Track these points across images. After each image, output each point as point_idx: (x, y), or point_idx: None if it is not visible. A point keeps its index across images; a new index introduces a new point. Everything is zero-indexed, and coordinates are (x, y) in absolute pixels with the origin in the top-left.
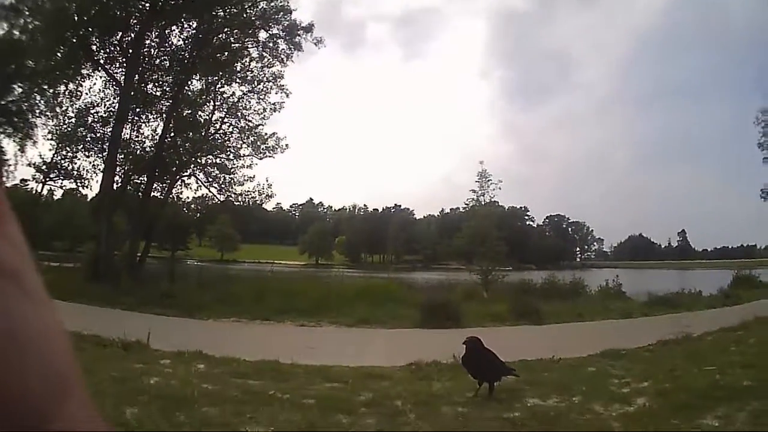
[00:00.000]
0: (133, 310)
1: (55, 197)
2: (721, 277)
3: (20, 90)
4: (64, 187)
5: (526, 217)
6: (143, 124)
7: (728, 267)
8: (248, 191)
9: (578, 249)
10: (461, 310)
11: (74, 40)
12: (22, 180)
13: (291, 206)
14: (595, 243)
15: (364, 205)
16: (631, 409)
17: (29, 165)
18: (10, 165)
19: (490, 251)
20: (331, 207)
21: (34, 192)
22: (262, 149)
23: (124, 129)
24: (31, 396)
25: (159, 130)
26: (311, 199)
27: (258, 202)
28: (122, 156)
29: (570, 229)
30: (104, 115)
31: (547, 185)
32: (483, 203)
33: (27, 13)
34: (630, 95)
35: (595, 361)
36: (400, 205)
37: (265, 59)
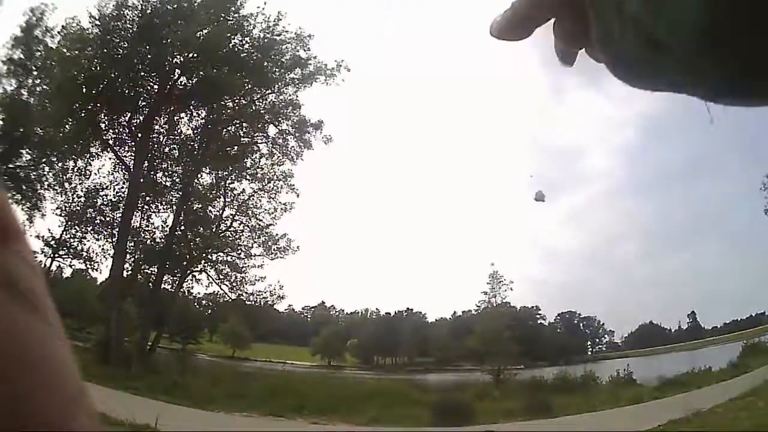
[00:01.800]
0: (143, 396)
1: (64, 275)
2: (732, 350)
3: (29, 157)
4: (73, 267)
5: (538, 316)
6: (153, 214)
7: (739, 339)
8: (260, 291)
9: (589, 342)
10: (473, 408)
11: (82, 114)
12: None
13: (303, 308)
14: (606, 335)
15: (377, 309)
16: None
17: (37, 237)
18: None
19: (502, 351)
20: (343, 310)
21: (42, 265)
22: (273, 250)
23: (133, 216)
24: (43, 414)
25: (169, 222)
26: (323, 302)
27: (270, 302)
28: (132, 244)
29: (581, 324)
30: (113, 200)
31: (558, 282)
32: (494, 305)
33: (35, 72)
34: (634, 183)
35: None
36: (411, 309)
37: (275, 156)
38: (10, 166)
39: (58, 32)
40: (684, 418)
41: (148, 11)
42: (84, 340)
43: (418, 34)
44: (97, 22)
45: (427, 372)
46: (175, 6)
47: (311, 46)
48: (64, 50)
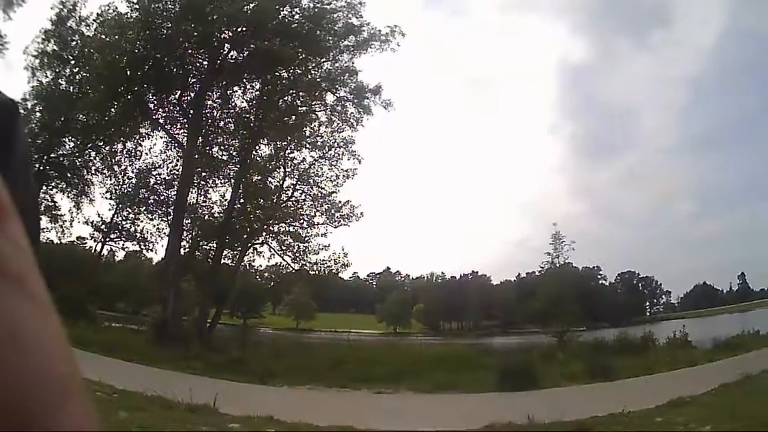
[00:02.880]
0: (202, 375)
1: (117, 258)
2: None
3: (72, 144)
4: (126, 249)
5: (599, 276)
6: (210, 189)
7: None
8: (324, 260)
9: (648, 303)
10: (537, 371)
11: (128, 97)
12: (79, 237)
13: (368, 275)
14: (663, 296)
15: (442, 273)
16: None
17: (86, 223)
18: (65, 221)
19: (565, 313)
20: (409, 275)
21: (93, 251)
22: (337, 217)
23: (189, 193)
24: (29, 397)
25: (227, 196)
26: (388, 268)
27: (334, 271)
28: (189, 221)
29: (640, 284)
30: (167, 178)
31: (618, 242)
32: (558, 265)
33: (72, 62)
34: (689, 143)
35: (662, 411)
36: (477, 272)
37: (335, 123)
38: (53, 155)
39: (94, 20)
40: (734, 383)
41: None
42: (139, 323)
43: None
44: (136, 6)
45: (492, 335)
46: None
47: (363, 13)
48: (103, 36)
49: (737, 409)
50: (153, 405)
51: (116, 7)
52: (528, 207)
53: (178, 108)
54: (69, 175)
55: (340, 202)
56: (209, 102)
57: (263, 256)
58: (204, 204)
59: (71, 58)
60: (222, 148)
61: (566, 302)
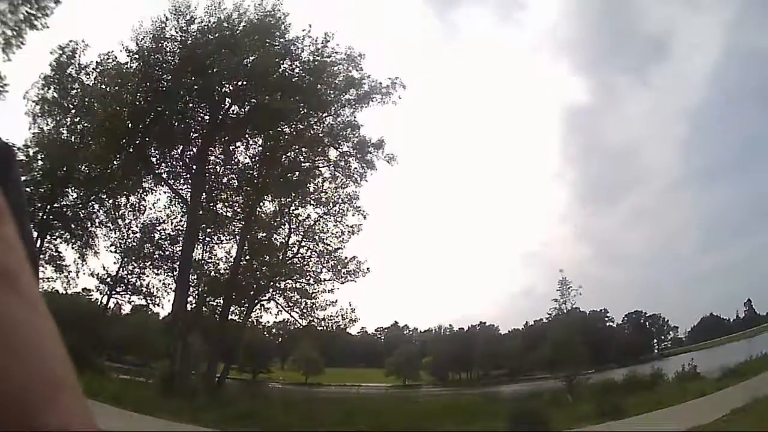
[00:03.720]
0: (212, 428)
1: (123, 311)
2: None
3: (75, 195)
4: (132, 303)
5: (606, 318)
6: (215, 245)
7: None
8: (331, 316)
9: (656, 340)
10: (548, 416)
11: (130, 150)
12: (85, 289)
13: (376, 330)
14: (671, 332)
15: (450, 325)
16: None
17: (92, 275)
18: (70, 272)
19: (574, 357)
20: (417, 329)
21: (99, 303)
22: (343, 273)
23: (195, 249)
24: (20, 394)
25: (233, 252)
26: (396, 322)
27: (342, 326)
28: (195, 276)
29: (647, 323)
30: (172, 233)
31: (624, 283)
32: (565, 311)
33: (73, 111)
34: (691, 176)
35: None
36: (485, 322)
37: (338, 179)
38: (56, 205)
39: (93, 69)
40: (745, 407)
41: (189, 42)
42: (147, 375)
43: (467, 47)
44: (136, 56)
45: (501, 384)
46: (217, 35)
47: (363, 66)
48: (103, 86)
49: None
50: None
51: (115, 57)
52: (534, 255)
53: (180, 163)
54: (73, 226)
55: (346, 258)
56: (212, 157)
57: (270, 312)
58: (210, 260)
59: (72, 106)
60: (226, 204)
61: (574, 346)
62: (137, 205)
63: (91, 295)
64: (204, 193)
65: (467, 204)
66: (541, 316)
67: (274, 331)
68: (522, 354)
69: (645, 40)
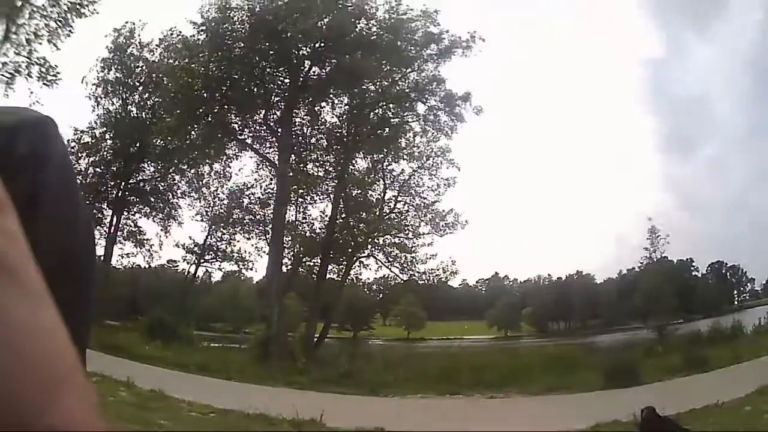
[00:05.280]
0: (309, 390)
1: (213, 279)
2: None
3: (152, 169)
4: (222, 269)
5: (692, 268)
6: (309, 206)
7: None
8: (432, 269)
9: (735, 292)
10: (639, 367)
11: (209, 119)
12: (170, 261)
13: (477, 281)
14: (748, 284)
15: (548, 275)
16: None
17: (177, 246)
18: (152, 245)
19: (664, 307)
20: (517, 279)
21: (185, 273)
22: (441, 226)
23: (287, 210)
24: (19, 393)
25: (327, 211)
26: (497, 273)
27: (443, 279)
28: (289, 238)
29: (728, 273)
30: (262, 197)
31: (704, 233)
32: (655, 260)
33: (140, 88)
34: (760, 126)
35: (750, 400)
36: (581, 271)
37: (429, 133)
38: (131, 181)
39: (156, 45)
40: None
41: (257, 9)
42: (240, 342)
43: None
44: (202, 28)
45: (597, 334)
46: (286, 0)
47: (440, 21)
48: (171, 61)
49: None
50: (257, 423)
51: (180, 31)
52: (622, 204)
53: (264, 127)
54: (152, 199)
55: (443, 211)
56: (297, 119)
57: (370, 269)
58: (304, 221)
59: (138, 83)
60: (317, 164)
61: (665, 297)
62: (222, 172)
63: (177, 266)
64: (293, 155)
65: (555, 153)
66: (632, 265)
67: (374, 287)
68: (617, 303)
69: None
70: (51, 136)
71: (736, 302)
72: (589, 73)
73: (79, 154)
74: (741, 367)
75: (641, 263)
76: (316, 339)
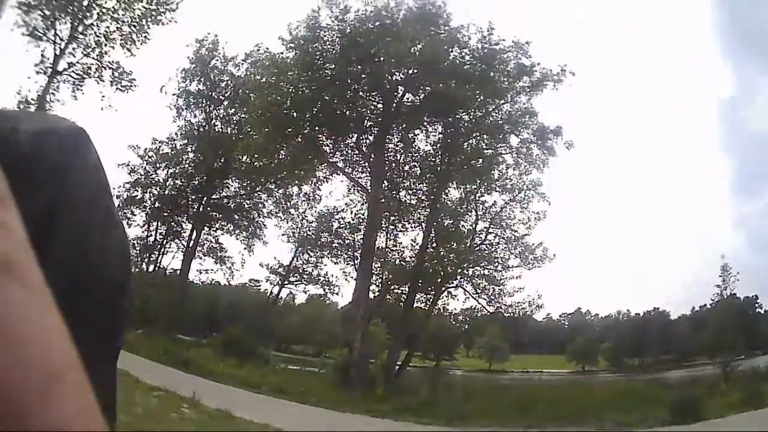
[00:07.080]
0: (386, 418)
1: (297, 301)
2: None
3: (236, 186)
4: (307, 292)
5: (756, 305)
6: (400, 233)
7: None
8: (518, 302)
9: None
10: (703, 404)
11: (299, 139)
12: (252, 279)
13: (560, 315)
14: None
15: (627, 311)
16: None
17: (261, 265)
18: (233, 263)
19: (731, 343)
20: (598, 314)
21: (268, 293)
22: (530, 260)
23: (377, 237)
24: (16, 390)
25: (418, 240)
26: (579, 308)
27: (529, 313)
28: (378, 265)
29: None
30: (352, 222)
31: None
32: (725, 297)
33: (226, 102)
34: None
35: None
36: (658, 308)
37: (521, 166)
38: (215, 197)
39: (243, 60)
40: None
41: (348, 31)
42: (320, 366)
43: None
44: (291, 45)
45: (668, 369)
46: (377, 23)
47: (531, 53)
48: (258, 77)
49: None
50: None
51: (267, 48)
52: (697, 242)
53: (356, 151)
54: (236, 217)
55: (533, 244)
56: (390, 145)
57: (457, 299)
58: (394, 248)
59: (223, 98)
60: (410, 192)
61: (732, 333)
62: (311, 195)
63: (259, 285)
64: (386, 181)
65: (635, 192)
66: (704, 302)
67: (460, 318)
68: (688, 339)
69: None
70: (81, 146)
71: None
72: (669, 113)
73: (157, 165)
74: None
75: (713, 299)
76: (398, 366)
